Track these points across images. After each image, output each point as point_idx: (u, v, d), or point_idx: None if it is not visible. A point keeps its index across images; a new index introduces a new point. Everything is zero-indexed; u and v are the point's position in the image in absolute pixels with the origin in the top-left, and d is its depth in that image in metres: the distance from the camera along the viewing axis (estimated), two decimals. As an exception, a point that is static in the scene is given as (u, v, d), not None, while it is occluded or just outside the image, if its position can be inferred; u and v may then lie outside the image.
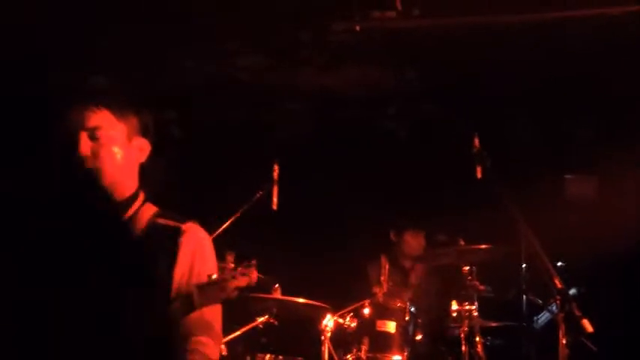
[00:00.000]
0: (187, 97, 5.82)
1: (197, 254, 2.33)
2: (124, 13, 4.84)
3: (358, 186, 6.06)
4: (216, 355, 2.29)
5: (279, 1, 4.93)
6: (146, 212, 2.39)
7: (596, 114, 5.88)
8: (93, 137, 2.28)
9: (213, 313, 2.29)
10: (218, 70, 5.68)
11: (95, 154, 2.28)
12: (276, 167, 4.78)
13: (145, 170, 2.45)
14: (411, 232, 5.60)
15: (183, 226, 2.34)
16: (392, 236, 5.68)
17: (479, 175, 4.54)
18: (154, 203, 2.45)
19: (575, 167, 6.26)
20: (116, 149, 2.32)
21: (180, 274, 2.28)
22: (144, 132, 2.42)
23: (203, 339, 2.25)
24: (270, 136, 6.24)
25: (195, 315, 2.24)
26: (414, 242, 5.59)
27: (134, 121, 2.39)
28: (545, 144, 6.11)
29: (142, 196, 2.42)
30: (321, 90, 5.91)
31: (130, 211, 2.36)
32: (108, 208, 2.33)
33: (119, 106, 2.35)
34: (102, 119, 2.31)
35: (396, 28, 5.10)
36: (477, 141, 4.62)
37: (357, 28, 5.10)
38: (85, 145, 2.27)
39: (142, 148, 2.41)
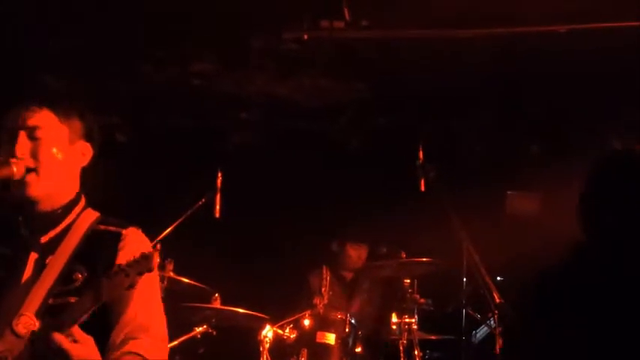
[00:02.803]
0: (138, 102, 5.74)
1: None
2: (76, 17, 4.76)
3: (302, 196, 6.04)
4: (156, 356, 2.21)
5: (231, 7, 4.89)
6: (87, 218, 2.34)
7: (544, 131, 5.96)
8: (32, 137, 2.23)
9: (148, 315, 2.24)
10: (169, 76, 5.62)
11: (34, 154, 2.22)
12: (219, 175, 4.74)
13: (87, 175, 2.40)
14: (353, 244, 5.59)
15: (124, 231, 2.31)
16: (334, 247, 5.66)
17: (422, 188, 4.58)
18: (97, 209, 2.40)
19: (519, 183, 6.34)
20: (56, 150, 2.26)
21: None
22: (87, 136, 2.37)
23: (138, 342, 2.18)
24: (217, 143, 6.19)
25: (127, 318, 2.20)
26: (355, 255, 5.58)
27: (77, 124, 2.34)
28: (490, 159, 6.17)
29: (83, 202, 2.38)
30: (272, 98, 5.89)
31: (70, 217, 2.31)
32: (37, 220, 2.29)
33: (63, 108, 2.30)
34: (43, 119, 2.26)
35: (344, 38, 5.11)
36: (421, 154, 4.66)
37: (306, 37, 5.08)
38: (23, 145, 2.21)
39: (84, 152, 2.36)
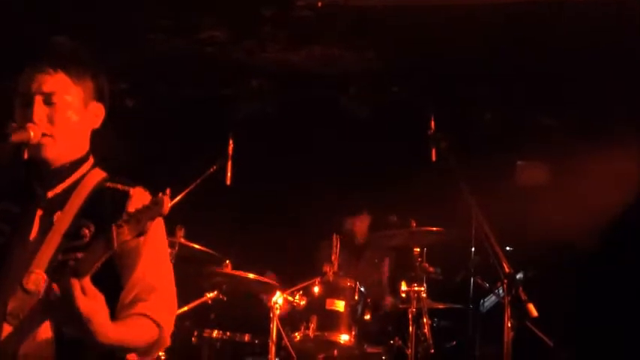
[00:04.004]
0: (150, 69, 5.75)
1: None
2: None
3: (313, 164, 6.06)
4: (165, 317, 2.22)
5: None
6: (94, 176, 2.35)
7: (553, 101, 5.94)
8: (48, 102, 2.23)
9: (156, 274, 2.25)
10: (181, 43, 5.61)
11: (50, 119, 2.23)
12: (231, 142, 4.75)
13: (98, 142, 2.41)
14: (359, 216, 5.65)
15: (131, 190, 2.30)
16: (347, 225, 5.70)
17: (433, 158, 4.57)
18: (105, 169, 2.41)
19: (529, 153, 6.33)
20: (71, 114, 2.27)
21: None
22: (99, 96, 2.37)
23: (146, 304, 2.20)
24: (228, 110, 6.19)
25: (136, 277, 2.22)
26: (361, 225, 5.64)
27: (90, 85, 2.33)
28: (501, 129, 6.16)
29: (91, 160, 2.39)
30: (283, 67, 5.88)
31: (77, 174, 2.33)
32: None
33: (76, 70, 2.29)
34: (58, 83, 2.25)
35: (358, 5, 5.08)
36: (432, 123, 4.65)
37: (319, 4, 5.06)
38: (40, 110, 2.22)
39: (97, 113, 2.37)
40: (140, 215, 2.01)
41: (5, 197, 2.29)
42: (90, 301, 1.95)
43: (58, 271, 2.09)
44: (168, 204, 2.03)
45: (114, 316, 2.15)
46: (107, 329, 2.00)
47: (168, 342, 2.25)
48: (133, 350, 2.15)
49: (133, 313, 2.18)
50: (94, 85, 2.35)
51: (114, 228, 2.00)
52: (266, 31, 5.50)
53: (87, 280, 1.96)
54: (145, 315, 2.18)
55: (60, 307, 1.95)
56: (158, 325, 2.19)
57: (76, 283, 1.91)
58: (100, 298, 1.98)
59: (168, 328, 2.24)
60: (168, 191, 2.07)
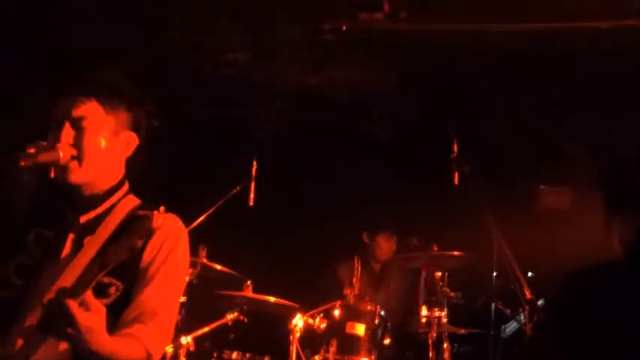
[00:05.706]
0: (171, 89, 5.79)
1: (169, 240, 2.34)
2: (109, 3, 4.83)
3: (335, 186, 6.06)
4: (156, 347, 2.24)
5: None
6: (128, 203, 2.40)
7: (576, 126, 5.91)
8: (77, 127, 2.29)
9: (160, 302, 2.28)
10: (204, 64, 5.65)
11: (77, 143, 2.28)
12: (254, 164, 4.78)
13: (129, 163, 2.46)
14: (384, 235, 5.62)
15: (155, 213, 2.32)
16: (364, 238, 5.69)
17: (456, 181, 4.57)
18: (138, 196, 2.46)
19: (552, 178, 6.30)
20: (99, 140, 2.32)
21: (148, 255, 2.29)
22: (134, 127, 2.41)
23: (144, 327, 2.22)
24: (251, 132, 6.22)
25: (141, 300, 2.25)
26: (385, 245, 5.62)
27: (124, 115, 2.38)
28: (523, 154, 6.14)
29: (125, 188, 2.44)
30: (306, 89, 5.90)
31: (111, 201, 2.38)
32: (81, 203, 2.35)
33: (110, 100, 2.35)
34: (89, 110, 2.31)
35: (382, 30, 5.10)
36: (455, 147, 4.65)
37: (344, 28, 5.09)
38: (67, 134, 2.27)
39: (129, 142, 2.41)
40: (131, 233, 2.04)
41: (40, 223, 2.34)
42: (90, 314, 1.97)
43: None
44: (158, 220, 2.06)
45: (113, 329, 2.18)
46: (104, 339, 2.02)
47: None
48: None
49: (128, 332, 2.20)
50: (128, 116, 2.40)
51: (110, 247, 2.04)
52: (290, 54, 5.53)
53: (89, 296, 1.98)
54: (138, 338, 2.20)
55: (57, 324, 1.96)
56: (147, 353, 2.21)
57: (72, 303, 1.93)
58: (100, 312, 2.00)
59: (157, 357, 2.26)
60: (162, 208, 2.10)
